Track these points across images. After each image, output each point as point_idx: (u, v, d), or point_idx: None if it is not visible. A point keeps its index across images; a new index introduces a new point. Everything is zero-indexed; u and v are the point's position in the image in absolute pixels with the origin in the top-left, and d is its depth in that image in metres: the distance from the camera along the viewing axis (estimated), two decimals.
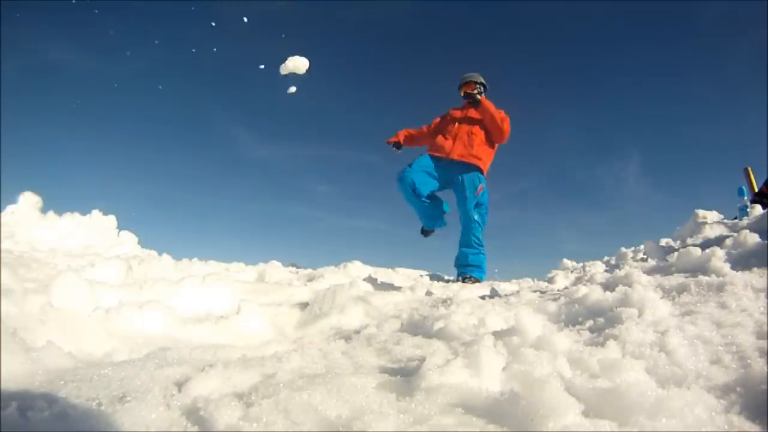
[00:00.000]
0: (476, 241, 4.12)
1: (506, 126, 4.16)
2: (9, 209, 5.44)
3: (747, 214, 4.56)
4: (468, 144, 4.19)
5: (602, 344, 1.21)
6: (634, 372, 0.94)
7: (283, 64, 3.64)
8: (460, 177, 4.15)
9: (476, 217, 4.12)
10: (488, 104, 4.19)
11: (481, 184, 4.16)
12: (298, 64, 3.60)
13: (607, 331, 1.33)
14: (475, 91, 4.31)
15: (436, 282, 3.70)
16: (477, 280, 3.96)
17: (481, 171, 4.20)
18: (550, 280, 3.75)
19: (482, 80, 4.41)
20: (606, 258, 4.79)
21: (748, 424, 0.80)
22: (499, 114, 4.16)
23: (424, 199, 4.17)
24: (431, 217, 4.39)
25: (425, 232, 4.56)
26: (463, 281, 3.90)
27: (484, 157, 4.24)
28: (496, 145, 4.35)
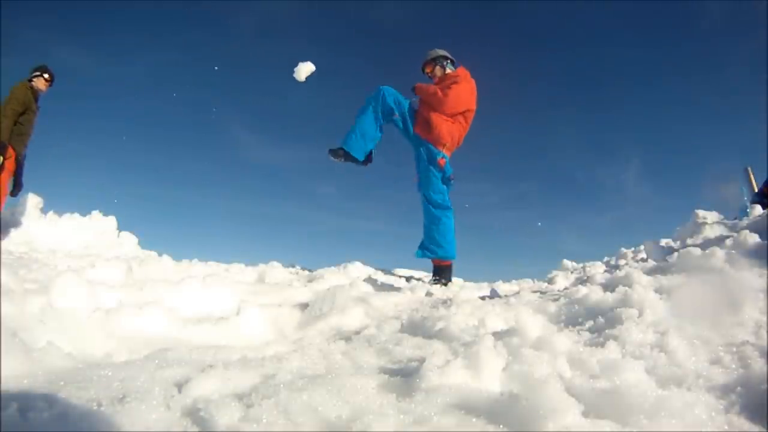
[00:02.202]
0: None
1: (438, 93, 3.71)
2: (9, 209, 5.44)
3: (747, 214, 4.55)
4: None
5: (602, 345, 1.21)
6: (633, 372, 0.95)
7: (296, 71, 3.80)
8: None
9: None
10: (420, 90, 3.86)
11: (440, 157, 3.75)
12: (306, 69, 3.78)
13: (607, 331, 1.33)
14: (437, 68, 3.95)
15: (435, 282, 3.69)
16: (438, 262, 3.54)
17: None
18: (551, 281, 3.74)
19: (441, 53, 3.99)
20: (606, 258, 4.77)
21: (748, 424, 0.80)
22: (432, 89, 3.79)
23: (378, 116, 3.70)
24: (363, 138, 3.73)
25: (337, 154, 3.78)
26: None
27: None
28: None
